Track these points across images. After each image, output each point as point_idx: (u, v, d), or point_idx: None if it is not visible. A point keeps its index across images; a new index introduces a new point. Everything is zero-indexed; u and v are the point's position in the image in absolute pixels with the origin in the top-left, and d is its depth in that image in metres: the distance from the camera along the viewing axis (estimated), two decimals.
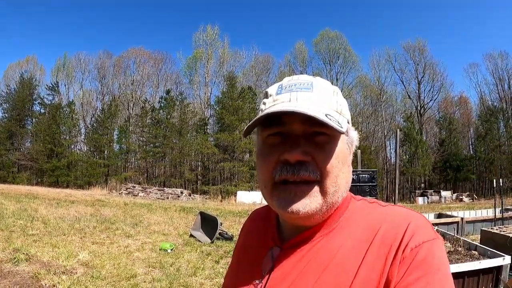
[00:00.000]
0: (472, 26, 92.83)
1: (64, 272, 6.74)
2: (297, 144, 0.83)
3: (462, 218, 12.53)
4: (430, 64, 61.51)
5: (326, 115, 0.80)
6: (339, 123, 0.82)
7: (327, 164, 0.83)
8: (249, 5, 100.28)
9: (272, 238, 1.00)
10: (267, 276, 0.91)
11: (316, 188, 0.83)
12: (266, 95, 0.95)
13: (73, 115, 57.60)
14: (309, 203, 0.82)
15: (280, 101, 0.88)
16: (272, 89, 0.94)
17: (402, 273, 0.73)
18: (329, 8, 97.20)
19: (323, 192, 0.84)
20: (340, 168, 0.86)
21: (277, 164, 0.85)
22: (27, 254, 7.59)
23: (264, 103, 0.93)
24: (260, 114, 0.86)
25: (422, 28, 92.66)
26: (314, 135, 0.85)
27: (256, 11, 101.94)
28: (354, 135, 0.97)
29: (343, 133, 0.84)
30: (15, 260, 7.14)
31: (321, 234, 0.90)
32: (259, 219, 1.15)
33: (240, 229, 1.25)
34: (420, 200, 39.78)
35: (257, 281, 0.93)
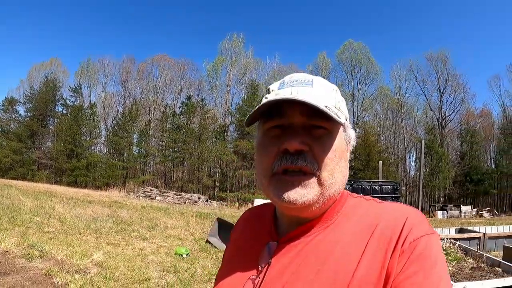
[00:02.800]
0: (496, 38, 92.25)
1: (77, 271, 6.69)
2: (296, 134, 0.85)
3: (484, 234, 12.28)
4: (453, 75, 60.97)
5: (325, 106, 0.84)
6: (337, 115, 0.85)
7: (325, 156, 0.86)
8: (274, 18, 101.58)
9: (269, 233, 1.00)
10: (265, 270, 0.91)
11: (314, 180, 0.85)
12: (268, 91, 0.97)
13: (94, 117, 58.54)
14: (306, 194, 0.84)
15: (281, 95, 0.89)
16: (274, 85, 0.98)
17: (402, 266, 0.76)
18: (352, 21, 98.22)
19: (320, 184, 0.86)
20: (337, 162, 0.89)
21: (277, 155, 0.87)
22: (41, 250, 7.56)
23: (266, 98, 0.93)
24: (262, 103, 0.88)
25: (445, 40, 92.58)
26: (313, 128, 0.88)
27: (280, 23, 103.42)
28: (352, 134, 1.00)
29: (341, 123, 0.88)
30: (29, 256, 7.13)
31: (319, 228, 0.91)
32: (254, 217, 1.16)
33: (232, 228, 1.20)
34: (439, 214, 39.09)
35: (253, 276, 0.92)
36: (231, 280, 0.97)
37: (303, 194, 0.83)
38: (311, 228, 0.91)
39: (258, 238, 1.02)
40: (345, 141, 0.94)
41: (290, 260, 0.88)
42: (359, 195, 1.00)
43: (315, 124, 0.87)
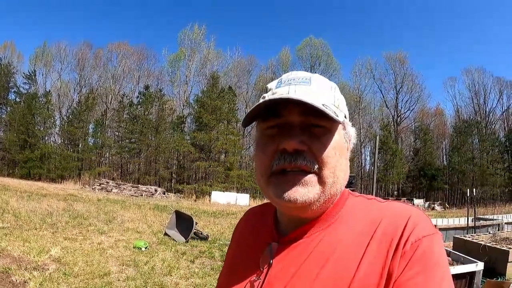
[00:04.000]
0: (452, 41, 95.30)
1: (36, 268, 6.60)
2: (294, 133, 0.83)
3: (435, 226, 12.71)
4: (410, 75, 63.22)
5: (323, 105, 0.81)
6: (335, 113, 0.83)
7: (324, 155, 0.83)
8: (240, 9, 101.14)
9: (270, 233, 0.99)
10: (266, 272, 0.90)
11: (314, 178, 0.83)
12: (266, 90, 0.96)
13: (49, 106, 56.34)
14: (307, 192, 0.82)
15: (278, 93, 0.88)
16: (272, 84, 0.96)
17: (403, 268, 0.74)
18: (317, 19, 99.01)
19: (322, 183, 0.83)
20: (338, 159, 0.86)
21: (275, 154, 0.85)
22: None
23: (264, 97, 0.92)
24: (258, 103, 0.86)
25: (406, 41, 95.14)
26: (311, 127, 0.85)
27: (246, 17, 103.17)
28: (352, 131, 0.98)
29: (339, 122, 0.84)
30: None
31: (320, 228, 0.89)
32: (255, 217, 1.14)
33: (234, 229, 1.24)
34: None
35: (255, 277, 0.91)
36: (232, 281, 0.97)
37: (303, 193, 0.81)
38: (312, 228, 0.90)
39: (259, 238, 1.02)
40: (345, 139, 0.93)
41: (291, 261, 0.87)
42: (361, 194, 0.99)
43: (313, 123, 0.85)
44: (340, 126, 0.90)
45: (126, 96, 59.60)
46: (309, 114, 0.83)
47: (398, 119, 62.13)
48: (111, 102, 60.58)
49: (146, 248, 9.34)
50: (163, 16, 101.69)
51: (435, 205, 42.67)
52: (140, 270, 7.40)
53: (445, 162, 60.73)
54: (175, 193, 42.99)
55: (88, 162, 55.47)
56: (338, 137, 0.88)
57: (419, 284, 0.71)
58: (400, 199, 44.02)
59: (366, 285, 0.75)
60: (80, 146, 56.40)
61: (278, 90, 0.90)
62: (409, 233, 0.78)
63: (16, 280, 5.91)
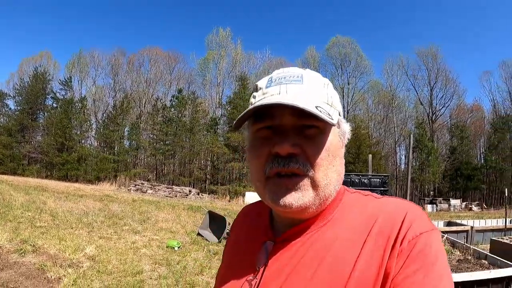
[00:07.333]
0: (487, 34, 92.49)
1: (70, 265, 6.74)
2: (287, 137, 0.82)
3: (471, 227, 12.42)
4: (443, 70, 61.32)
5: (316, 107, 0.80)
6: (329, 115, 0.82)
7: (317, 157, 0.83)
8: (262, 11, 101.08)
9: (265, 232, 0.99)
10: (262, 271, 0.89)
11: (307, 181, 0.82)
12: (256, 89, 0.95)
13: (85, 110, 57.65)
14: (302, 197, 0.81)
15: (269, 94, 0.88)
16: (262, 82, 0.94)
17: (400, 265, 0.73)
18: (342, 16, 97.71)
19: (315, 185, 0.83)
20: (331, 161, 0.85)
21: (268, 157, 0.85)
22: (34, 245, 7.60)
23: (254, 97, 0.92)
24: (249, 107, 0.85)
25: (436, 35, 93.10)
26: (304, 128, 0.84)
27: (269, 17, 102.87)
28: (346, 128, 0.96)
29: (334, 125, 0.83)
30: (22, 251, 7.15)
31: (315, 227, 0.89)
32: (251, 215, 1.14)
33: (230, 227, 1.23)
34: (429, 207, 39.16)
35: (251, 277, 0.91)
36: (229, 281, 0.96)
37: (298, 197, 0.81)
38: (308, 227, 0.89)
39: (255, 237, 1.01)
40: (339, 137, 0.91)
41: (287, 261, 0.86)
42: (356, 190, 0.99)
43: (306, 124, 0.83)
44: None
45: (160, 100, 60.26)
46: (301, 116, 0.82)
47: (433, 116, 60.63)
48: (145, 106, 61.66)
49: (179, 247, 9.42)
50: (186, 20, 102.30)
51: (472, 205, 41.47)
52: (172, 269, 7.47)
53: (482, 161, 59.02)
54: (209, 194, 43.15)
55: (124, 164, 56.17)
56: (332, 136, 0.87)
57: (417, 282, 0.70)
58: (436, 199, 43.29)
59: (363, 284, 0.74)
60: (116, 148, 57.22)
61: (268, 89, 0.89)
62: (406, 230, 0.77)
63: (51, 277, 6.05)
